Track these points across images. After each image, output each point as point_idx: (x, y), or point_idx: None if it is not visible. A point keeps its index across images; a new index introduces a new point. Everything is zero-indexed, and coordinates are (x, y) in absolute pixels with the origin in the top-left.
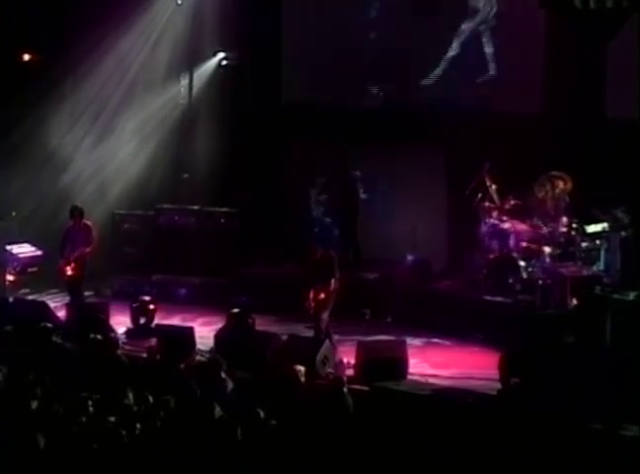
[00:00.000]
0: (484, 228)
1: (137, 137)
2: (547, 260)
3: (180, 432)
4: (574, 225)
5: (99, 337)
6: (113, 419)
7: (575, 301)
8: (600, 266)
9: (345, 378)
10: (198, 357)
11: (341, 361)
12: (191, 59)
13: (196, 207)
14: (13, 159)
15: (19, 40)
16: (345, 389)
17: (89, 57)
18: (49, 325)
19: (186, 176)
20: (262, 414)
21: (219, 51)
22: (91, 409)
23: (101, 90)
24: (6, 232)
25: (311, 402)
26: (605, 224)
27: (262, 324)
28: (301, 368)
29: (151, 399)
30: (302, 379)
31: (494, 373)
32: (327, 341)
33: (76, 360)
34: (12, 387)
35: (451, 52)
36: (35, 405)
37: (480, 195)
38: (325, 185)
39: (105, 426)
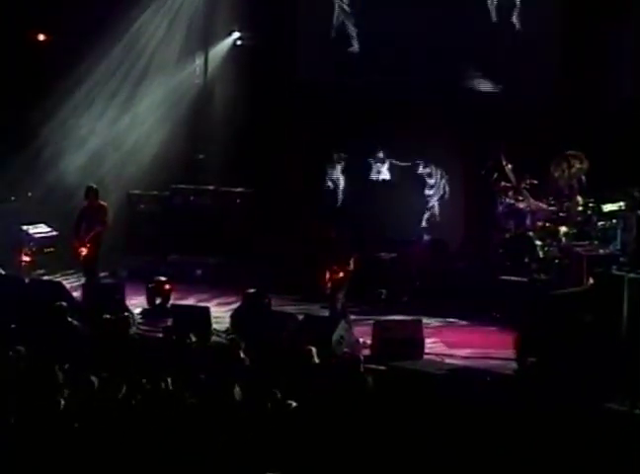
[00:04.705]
0: (500, 208)
1: (153, 117)
2: (563, 239)
3: (200, 412)
4: (590, 204)
5: (112, 317)
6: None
7: (591, 280)
8: (617, 245)
9: (362, 358)
10: (214, 338)
11: (357, 341)
12: (206, 39)
13: (211, 187)
14: (29, 140)
15: (33, 21)
16: (361, 368)
17: (104, 37)
18: (64, 303)
19: (201, 156)
20: (279, 394)
21: (234, 31)
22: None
23: (116, 70)
24: (22, 212)
25: (328, 382)
26: (622, 203)
27: (278, 304)
28: (313, 348)
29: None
30: (315, 360)
31: (510, 353)
32: (343, 320)
33: (90, 341)
34: (32, 368)
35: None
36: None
37: (496, 174)
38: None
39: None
